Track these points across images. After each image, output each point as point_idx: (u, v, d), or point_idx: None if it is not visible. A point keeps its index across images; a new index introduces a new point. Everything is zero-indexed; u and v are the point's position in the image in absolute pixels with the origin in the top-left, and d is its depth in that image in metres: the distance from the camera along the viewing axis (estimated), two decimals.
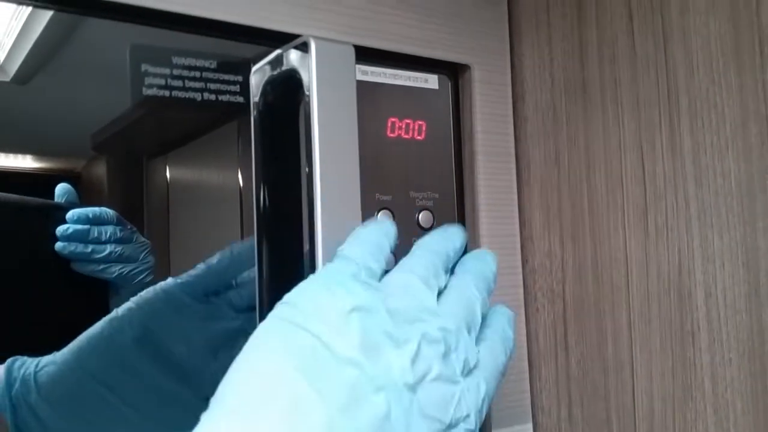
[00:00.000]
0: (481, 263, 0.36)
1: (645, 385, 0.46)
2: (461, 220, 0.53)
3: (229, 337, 0.41)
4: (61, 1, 0.40)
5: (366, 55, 0.48)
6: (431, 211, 0.50)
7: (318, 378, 0.25)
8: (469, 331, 0.32)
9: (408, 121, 0.50)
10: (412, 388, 0.27)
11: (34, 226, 0.41)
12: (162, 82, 0.41)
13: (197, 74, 0.42)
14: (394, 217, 0.48)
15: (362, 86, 0.47)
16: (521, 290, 0.55)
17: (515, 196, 0.55)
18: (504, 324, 0.36)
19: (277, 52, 0.42)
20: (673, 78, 0.45)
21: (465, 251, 0.39)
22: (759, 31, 0.40)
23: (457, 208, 0.52)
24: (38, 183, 0.42)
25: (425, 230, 0.50)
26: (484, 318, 0.35)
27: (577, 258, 0.51)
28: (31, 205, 0.41)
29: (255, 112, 0.44)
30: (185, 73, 0.41)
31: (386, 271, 0.34)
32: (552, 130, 0.53)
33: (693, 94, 0.43)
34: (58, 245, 0.41)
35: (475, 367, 0.31)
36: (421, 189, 0.50)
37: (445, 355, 0.29)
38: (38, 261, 0.40)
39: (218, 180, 0.48)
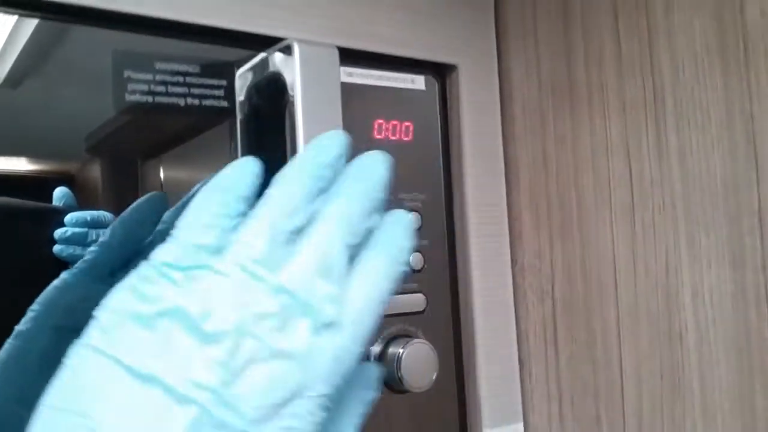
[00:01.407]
0: (360, 180, 0.30)
1: (634, 384, 0.46)
2: (449, 221, 0.52)
3: None
4: (47, 9, 0.40)
5: (351, 56, 0.48)
6: (420, 213, 0.50)
7: (117, 410, 0.23)
8: (328, 274, 0.27)
9: (395, 122, 0.50)
10: (226, 385, 0.24)
11: (32, 229, 0.41)
12: (145, 87, 0.41)
13: (180, 79, 0.42)
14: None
15: (348, 88, 0.47)
16: (511, 290, 0.55)
17: (504, 197, 0.55)
18: (395, 236, 0.30)
19: (262, 55, 0.42)
20: (659, 78, 0.44)
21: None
22: (743, 28, 0.40)
23: (446, 209, 0.52)
24: (33, 186, 0.42)
25: (414, 232, 0.50)
26: (373, 231, 0.29)
27: (565, 257, 0.51)
28: (29, 208, 0.41)
29: (240, 116, 0.44)
30: (168, 78, 0.41)
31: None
32: (539, 131, 0.53)
33: (678, 94, 0.43)
34: (57, 248, 0.41)
35: (337, 316, 0.26)
36: (408, 190, 0.50)
37: (283, 327, 0.25)
38: (36, 264, 0.40)
39: None
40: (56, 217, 0.41)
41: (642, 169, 0.46)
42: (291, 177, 0.29)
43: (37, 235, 0.40)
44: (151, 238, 0.39)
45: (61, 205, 0.42)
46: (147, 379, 0.24)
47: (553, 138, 0.52)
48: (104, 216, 0.42)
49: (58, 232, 0.41)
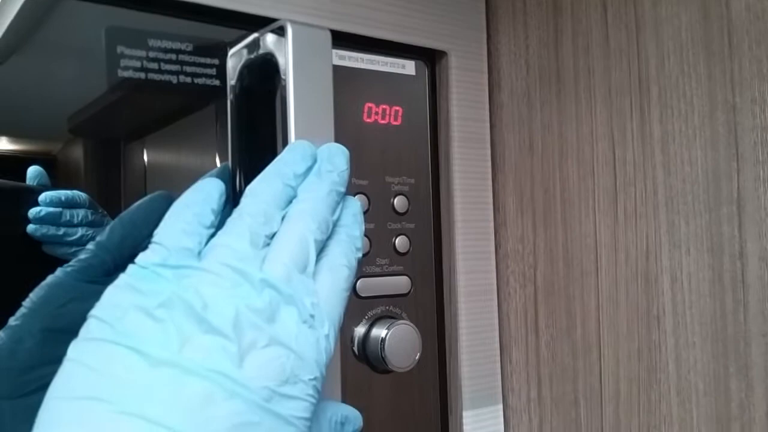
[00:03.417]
0: (325, 180, 0.33)
1: (612, 367, 0.48)
2: (436, 206, 0.53)
3: None
4: None
5: (343, 39, 0.48)
6: (407, 196, 0.51)
7: (137, 392, 0.24)
8: (303, 269, 0.30)
9: (384, 106, 0.51)
10: (235, 369, 0.26)
11: (5, 208, 0.41)
12: (138, 64, 0.41)
13: (173, 57, 0.42)
14: (369, 202, 0.49)
15: (339, 71, 0.47)
16: (494, 274, 0.56)
17: (490, 182, 0.56)
18: (348, 226, 0.33)
19: (254, 35, 0.42)
20: (645, 68, 0.45)
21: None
22: (728, 21, 0.41)
23: (433, 194, 0.53)
24: (13, 165, 0.42)
25: (401, 215, 0.51)
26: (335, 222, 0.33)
27: (548, 243, 0.52)
28: (2, 187, 0.41)
29: (231, 96, 0.44)
30: (161, 55, 0.41)
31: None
32: (527, 118, 0.54)
33: (663, 84, 0.44)
34: (30, 227, 0.41)
35: (314, 307, 0.29)
36: (397, 174, 0.51)
37: (273, 317, 0.27)
38: (10, 243, 0.40)
39: (196, 164, 0.48)
40: (30, 197, 0.41)
41: (625, 156, 0.47)
42: (263, 189, 0.32)
43: (11, 213, 0.40)
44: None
45: (34, 184, 0.42)
46: (162, 362, 0.25)
47: (540, 125, 0.53)
48: (79, 196, 0.42)
49: (32, 212, 0.41)
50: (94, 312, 0.27)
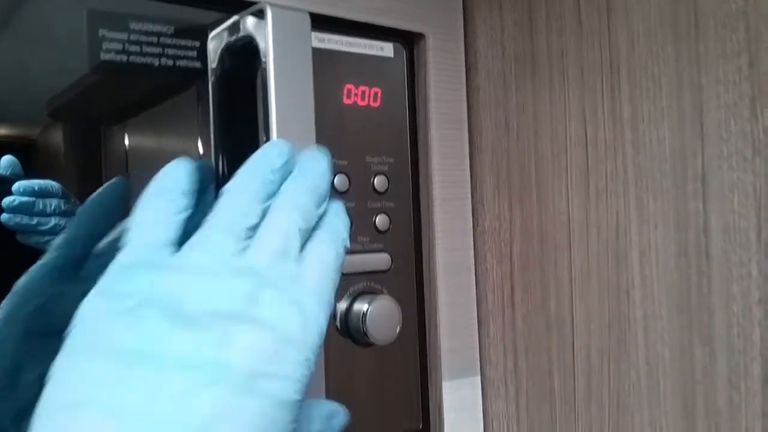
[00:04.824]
0: (306, 176, 0.33)
1: (584, 339, 0.50)
2: (415, 185, 0.54)
3: None
4: None
5: (322, 22, 0.49)
6: (386, 176, 0.52)
7: (116, 396, 0.25)
8: (287, 255, 0.30)
9: (364, 88, 0.51)
10: (219, 352, 0.26)
11: None
12: (119, 47, 0.41)
13: (154, 39, 0.42)
14: (349, 181, 0.50)
15: (319, 53, 0.48)
16: (472, 251, 0.57)
17: (467, 162, 0.57)
18: (334, 221, 0.33)
19: (234, 18, 0.43)
20: (615, 49, 0.47)
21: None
22: (695, 4, 0.42)
23: (411, 173, 0.54)
24: None
25: (381, 194, 0.52)
26: (323, 216, 0.33)
27: (524, 220, 0.54)
28: None
29: (212, 79, 0.44)
30: (142, 38, 0.42)
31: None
32: (502, 99, 0.55)
33: (633, 65, 0.46)
34: (4, 217, 0.41)
35: (299, 291, 0.29)
36: (376, 154, 0.52)
37: (255, 302, 0.27)
38: None
39: (178, 148, 0.48)
40: (3, 186, 0.41)
41: (597, 136, 0.48)
42: (241, 183, 0.31)
43: None
44: (116, 236, 0.38)
45: (7, 173, 0.42)
46: (142, 361, 0.25)
47: (515, 105, 0.54)
48: (51, 185, 0.42)
49: (5, 201, 0.41)
50: (75, 321, 0.27)
